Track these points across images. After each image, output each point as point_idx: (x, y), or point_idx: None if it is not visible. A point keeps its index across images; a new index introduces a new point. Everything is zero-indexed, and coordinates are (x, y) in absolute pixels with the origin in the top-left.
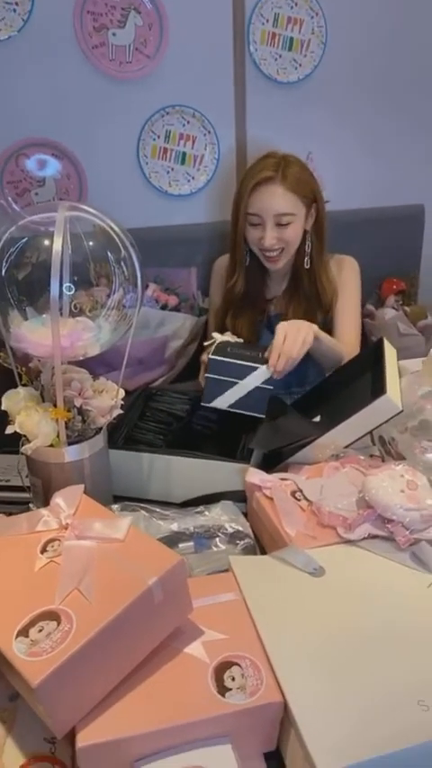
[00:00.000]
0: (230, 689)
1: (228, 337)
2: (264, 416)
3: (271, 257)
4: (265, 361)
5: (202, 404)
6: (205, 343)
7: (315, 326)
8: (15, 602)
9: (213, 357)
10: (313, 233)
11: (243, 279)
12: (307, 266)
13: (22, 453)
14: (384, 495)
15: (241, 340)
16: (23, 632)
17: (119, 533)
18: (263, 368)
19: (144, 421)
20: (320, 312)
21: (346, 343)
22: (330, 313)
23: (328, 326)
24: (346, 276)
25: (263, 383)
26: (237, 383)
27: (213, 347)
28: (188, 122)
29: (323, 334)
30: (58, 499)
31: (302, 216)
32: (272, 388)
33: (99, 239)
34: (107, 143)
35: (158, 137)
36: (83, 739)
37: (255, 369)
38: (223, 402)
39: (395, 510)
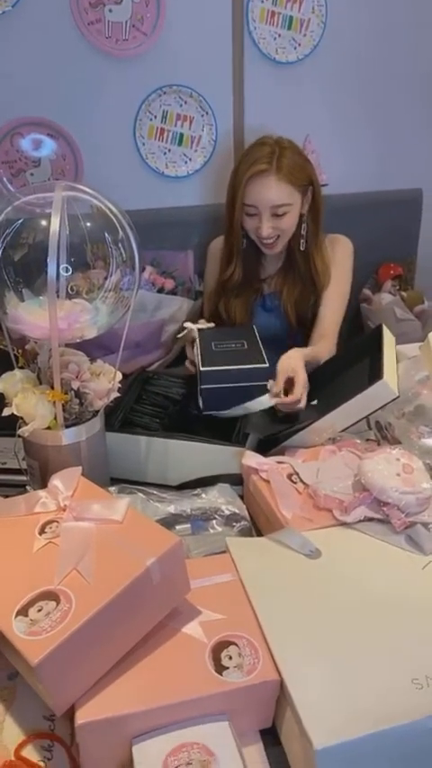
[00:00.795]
0: (228, 667)
1: (201, 325)
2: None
3: (268, 244)
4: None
5: (203, 413)
6: (179, 336)
7: (301, 356)
8: (14, 583)
9: (206, 369)
10: (309, 215)
11: (240, 267)
12: (303, 248)
13: (19, 436)
14: (380, 479)
15: (212, 324)
16: (23, 612)
17: (117, 515)
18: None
19: (140, 404)
20: (314, 294)
21: (324, 330)
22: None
23: (316, 306)
24: (339, 257)
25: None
26: (235, 386)
27: (196, 344)
28: (185, 102)
29: (308, 356)
30: (56, 481)
31: (298, 203)
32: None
33: (97, 220)
34: (103, 123)
35: (155, 117)
36: (82, 716)
37: (252, 370)
38: (224, 409)
39: (391, 493)
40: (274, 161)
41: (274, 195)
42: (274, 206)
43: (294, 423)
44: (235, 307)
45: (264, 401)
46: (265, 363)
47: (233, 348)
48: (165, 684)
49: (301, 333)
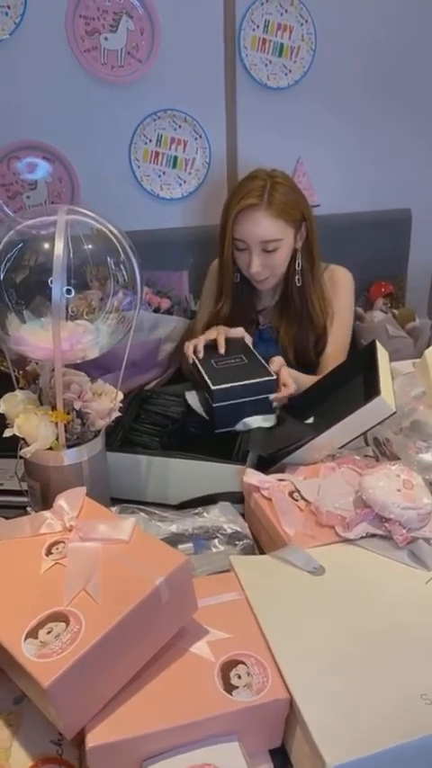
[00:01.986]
0: (237, 687)
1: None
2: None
3: (259, 281)
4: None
5: (216, 431)
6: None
7: (280, 361)
8: (23, 605)
9: (217, 388)
10: (304, 252)
11: (229, 302)
12: (299, 284)
13: (21, 456)
14: (381, 495)
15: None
16: (32, 634)
17: (124, 534)
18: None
19: (139, 423)
20: (313, 333)
21: (335, 361)
22: (323, 336)
23: (319, 347)
24: (341, 295)
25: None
26: (246, 401)
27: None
28: (179, 126)
29: (294, 375)
30: (61, 501)
31: (290, 238)
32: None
33: (97, 242)
34: (99, 146)
35: (150, 140)
36: (93, 739)
37: (261, 384)
38: (234, 425)
39: (392, 509)
40: (265, 195)
41: (263, 231)
42: (264, 241)
43: (294, 440)
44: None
45: (265, 420)
46: (272, 375)
47: (234, 364)
48: (175, 705)
49: (300, 370)
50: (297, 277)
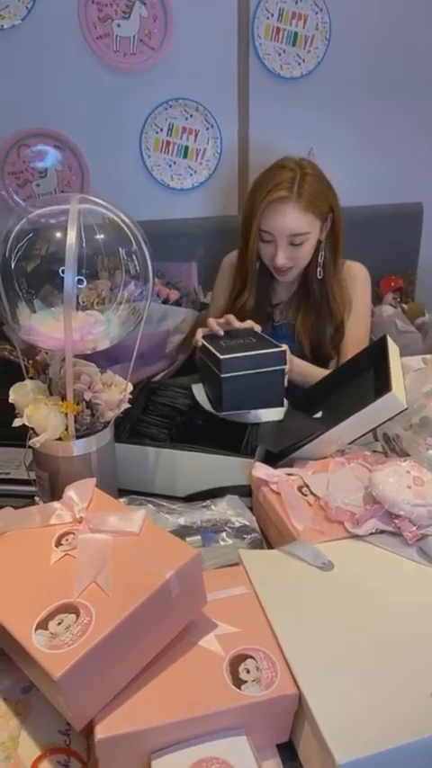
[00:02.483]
0: (246, 681)
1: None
2: (282, 407)
3: (282, 272)
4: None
5: (222, 413)
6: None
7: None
8: (33, 596)
9: (225, 357)
10: (328, 243)
11: (254, 294)
12: (320, 276)
13: (30, 446)
14: (391, 491)
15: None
16: (42, 625)
17: (134, 527)
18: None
19: (147, 415)
20: (330, 325)
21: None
22: (340, 327)
23: (336, 340)
24: (359, 291)
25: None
26: (256, 373)
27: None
28: (191, 116)
29: (301, 364)
30: (71, 492)
31: (317, 231)
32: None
33: (109, 232)
34: (110, 135)
35: (161, 130)
36: (102, 731)
37: (270, 354)
38: (243, 405)
39: (402, 505)
40: (295, 187)
41: (292, 224)
42: (292, 235)
43: (303, 435)
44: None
45: (276, 413)
46: (281, 347)
47: (243, 342)
48: (184, 698)
49: (317, 364)
50: (319, 269)
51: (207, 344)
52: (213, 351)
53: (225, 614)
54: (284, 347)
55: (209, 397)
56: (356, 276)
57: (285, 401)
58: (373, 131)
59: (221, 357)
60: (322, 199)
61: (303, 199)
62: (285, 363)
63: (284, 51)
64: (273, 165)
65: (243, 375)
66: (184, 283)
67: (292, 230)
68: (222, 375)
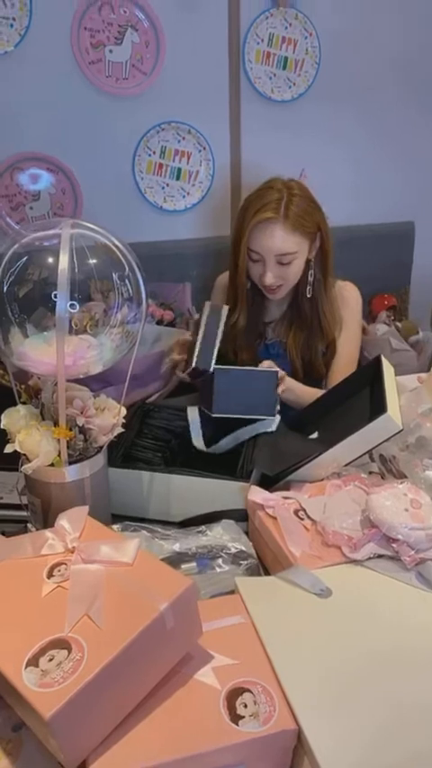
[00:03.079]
0: (243, 716)
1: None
2: (274, 417)
3: (271, 290)
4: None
5: (214, 414)
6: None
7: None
8: (24, 630)
9: (219, 367)
10: (317, 263)
11: (245, 314)
12: (309, 294)
13: (22, 472)
14: (389, 515)
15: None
16: (33, 662)
17: (127, 557)
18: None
19: (142, 438)
20: (322, 343)
21: (343, 377)
22: (332, 345)
23: (327, 357)
24: (351, 310)
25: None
26: (249, 371)
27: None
28: (183, 138)
29: (295, 385)
30: (63, 521)
31: (305, 251)
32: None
33: (101, 256)
34: (103, 158)
35: (154, 152)
36: None
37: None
38: (235, 408)
39: (400, 529)
40: (282, 208)
41: (279, 244)
42: (280, 254)
43: (299, 457)
44: (241, 350)
45: (268, 424)
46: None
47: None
48: (180, 736)
49: (308, 382)
50: (308, 287)
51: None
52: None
53: (221, 645)
54: (277, 369)
55: (203, 410)
56: (348, 296)
57: (278, 417)
58: (364, 152)
59: (216, 367)
60: (309, 219)
61: (290, 220)
62: (278, 377)
63: (275, 75)
64: (261, 186)
65: (235, 371)
66: (178, 304)
67: (280, 250)
68: (215, 367)
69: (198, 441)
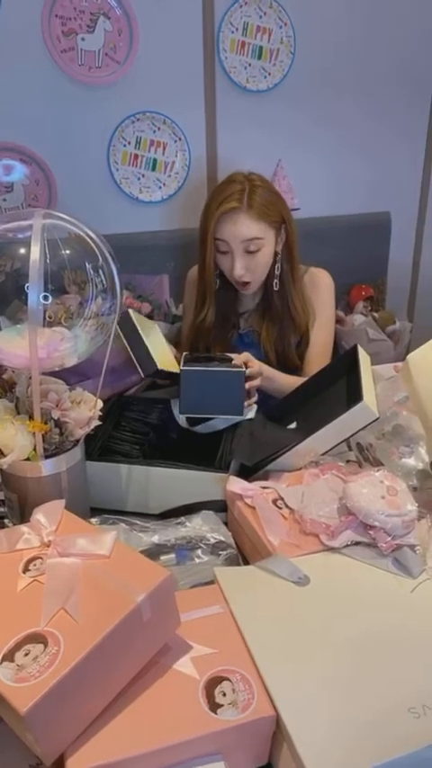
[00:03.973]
0: (222, 705)
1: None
2: (242, 416)
3: (242, 285)
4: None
5: (180, 414)
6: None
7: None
8: None
9: (186, 368)
10: (284, 255)
11: (213, 309)
12: (276, 288)
13: None
14: (365, 502)
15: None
16: (9, 657)
17: (104, 549)
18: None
19: (119, 431)
20: (294, 335)
21: (318, 362)
22: (305, 336)
23: (302, 348)
24: (322, 297)
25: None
26: (215, 371)
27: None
28: (159, 129)
29: (274, 374)
30: (39, 515)
31: (272, 240)
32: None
33: (75, 247)
34: (77, 149)
35: (129, 143)
36: (73, 765)
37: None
38: (203, 406)
39: (377, 516)
40: (245, 198)
41: (244, 230)
42: (246, 240)
43: (277, 447)
44: (214, 344)
45: (244, 412)
46: (241, 368)
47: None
48: (158, 726)
49: (283, 372)
50: (275, 281)
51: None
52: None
53: (200, 635)
54: (243, 369)
55: (173, 406)
56: (319, 282)
57: (250, 411)
58: (340, 142)
59: (182, 368)
60: (273, 208)
61: (254, 209)
62: (245, 376)
63: (250, 65)
64: (223, 180)
65: (202, 372)
66: (156, 296)
67: (245, 236)
68: (182, 368)
69: (181, 418)
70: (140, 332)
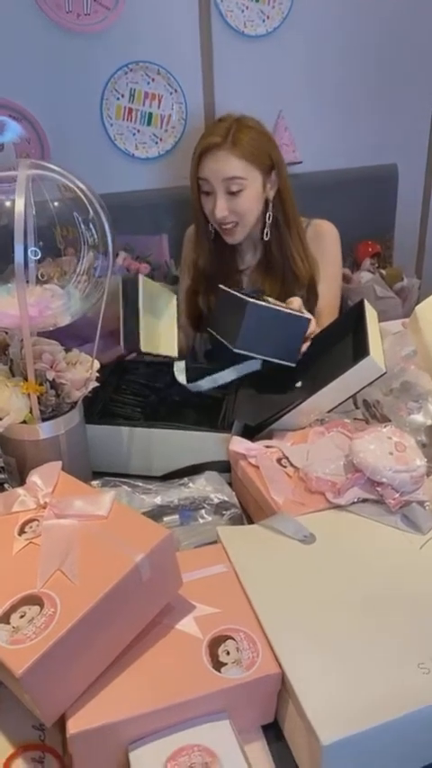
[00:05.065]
0: (226, 663)
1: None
2: (294, 364)
3: (226, 229)
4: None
5: (235, 349)
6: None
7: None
8: None
9: (253, 302)
10: (276, 203)
11: (206, 253)
12: (267, 237)
13: None
14: (373, 458)
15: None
16: (4, 619)
17: (101, 510)
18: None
19: (120, 394)
20: (299, 289)
21: (327, 316)
22: (312, 290)
23: (310, 302)
24: (328, 248)
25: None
26: (275, 326)
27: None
28: (153, 80)
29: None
30: (35, 477)
31: (257, 182)
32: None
33: (65, 201)
34: (68, 103)
35: (122, 96)
36: (74, 726)
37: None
38: (260, 345)
39: (384, 472)
40: (230, 136)
41: (225, 167)
42: (226, 179)
43: (281, 406)
44: (214, 304)
45: (253, 365)
46: (308, 315)
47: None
48: (160, 685)
49: None
50: (266, 230)
51: (232, 291)
52: (239, 295)
53: (203, 595)
54: (310, 316)
55: (219, 337)
56: (323, 232)
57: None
58: (344, 91)
59: (250, 301)
60: (260, 149)
61: (238, 147)
62: (309, 322)
63: (247, 8)
64: (213, 121)
65: (269, 309)
66: (155, 256)
67: (226, 174)
68: (248, 301)
69: (181, 376)
70: (140, 303)
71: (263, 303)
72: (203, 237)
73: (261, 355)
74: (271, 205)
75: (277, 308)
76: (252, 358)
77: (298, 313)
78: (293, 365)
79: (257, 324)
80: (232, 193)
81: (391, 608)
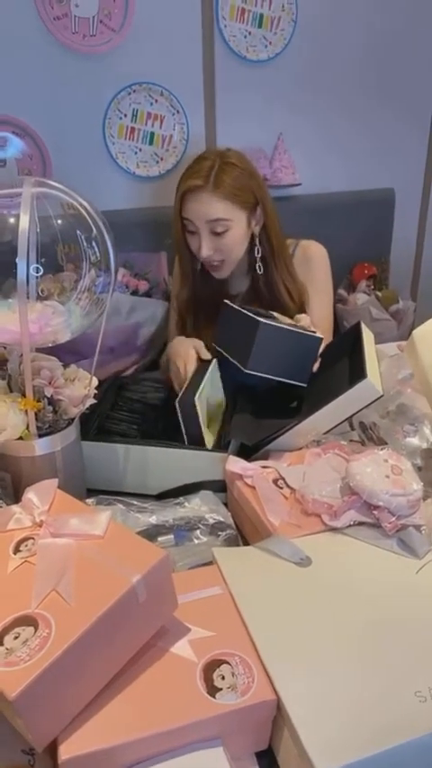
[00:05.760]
0: (221, 689)
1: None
2: (305, 384)
3: (213, 267)
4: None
5: (246, 370)
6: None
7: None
8: None
9: (265, 322)
10: (263, 237)
11: (194, 284)
12: (260, 271)
13: None
14: (369, 481)
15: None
16: None
17: (98, 529)
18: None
19: (116, 411)
20: (289, 314)
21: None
22: (302, 310)
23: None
24: (315, 272)
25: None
26: (293, 331)
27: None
28: (156, 101)
29: None
30: (31, 495)
31: (242, 221)
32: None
33: (68, 218)
34: (72, 121)
35: (125, 115)
36: (66, 751)
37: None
38: (271, 367)
39: (381, 496)
40: (212, 177)
41: (208, 209)
42: (210, 221)
43: (278, 426)
44: (207, 335)
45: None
46: (317, 334)
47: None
48: (154, 711)
49: None
50: (258, 264)
51: (240, 308)
52: (249, 314)
53: (198, 617)
54: (319, 335)
55: (229, 357)
56: (310, 255)
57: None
58: (344, 116)
59: (262, 322)
60: (242, 188)
61: (220, 189)
62: (320, 342)
63: (250, 33)
64: (196, 157)
65: (280, 328)
66: (154, 274)
67: (209, 216)
68: (261, 321)
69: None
70: (207, 377)
71: (274, 323)
72: (189, 271)
73: (272, 376)
74: (258, 240)
75: (288, 327)
76: (261, 378)
77: (309, 332)
78: (305, 385)
79: (269, 344)
80: (217, 234)
81: (388, 634)
